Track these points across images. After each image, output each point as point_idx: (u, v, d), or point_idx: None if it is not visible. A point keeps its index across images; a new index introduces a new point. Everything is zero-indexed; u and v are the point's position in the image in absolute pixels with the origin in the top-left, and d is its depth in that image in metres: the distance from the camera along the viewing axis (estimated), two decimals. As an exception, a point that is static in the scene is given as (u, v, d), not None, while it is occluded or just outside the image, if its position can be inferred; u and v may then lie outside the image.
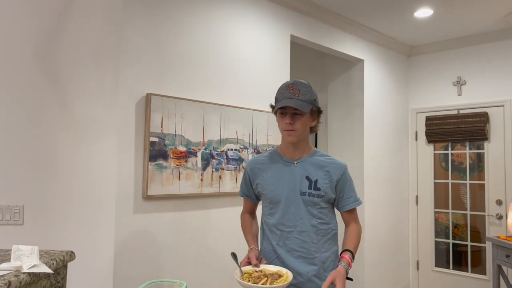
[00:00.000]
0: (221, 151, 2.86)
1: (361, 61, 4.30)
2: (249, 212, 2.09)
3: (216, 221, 2.85)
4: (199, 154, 2.73)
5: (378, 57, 4.51)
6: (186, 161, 2.66)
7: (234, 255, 1.81)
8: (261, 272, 1.67)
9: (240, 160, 2.97)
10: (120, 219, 2.38)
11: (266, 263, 1.80)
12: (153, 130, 2.51)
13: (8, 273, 1.12)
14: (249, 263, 1.75)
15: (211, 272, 2.79)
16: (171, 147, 2.59)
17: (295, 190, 1.83)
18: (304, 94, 1.78)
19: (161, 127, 2.55)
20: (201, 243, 2.76)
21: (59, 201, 2.34)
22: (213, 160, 2.81)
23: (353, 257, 1.76)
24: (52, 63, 2.38)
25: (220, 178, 2.84)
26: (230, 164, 2.91)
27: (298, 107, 1.74)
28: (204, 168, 2.75)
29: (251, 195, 2.03)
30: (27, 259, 1.20)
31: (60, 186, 2.35)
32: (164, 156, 2.56)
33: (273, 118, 3.18)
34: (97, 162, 2.37)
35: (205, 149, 2.77)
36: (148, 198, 2.49)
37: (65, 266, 1.39)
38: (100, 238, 2.33)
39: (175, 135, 2.62)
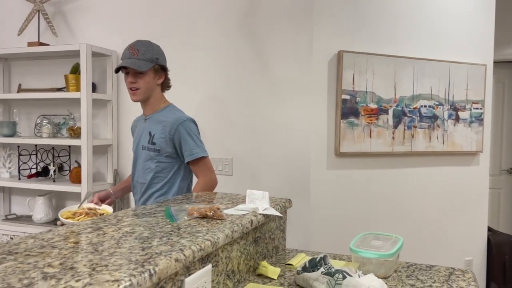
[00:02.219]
0: (413, 108, 2.72)
1: None
2: None
3: (408, 181, 2.76)
4: (390, 112, 2.65)
5: None
6: (377, 119, 2.61)
7: (87, 194, 2.15)
8: (91, 210, 1.81)
9: (434, 117, 2.77)
10: (315, 175, 2.50)
11: (110, 203, 1.99)
12: (344, 88, 2.52)
13: (247, 213, 1.28)
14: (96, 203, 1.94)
15: (402, 232, 2.75)
16: (362, 104, 2.57)
17: (139, 145, 1.96)
18: (143, 53, 1.86)
19: (353, 84, 2.54)
20: (392, 202, 2.72)
21: (261, 155, 2.57)
22: (405, 117, 2.69)
23: None
24: (252, 27, 2.57)
25: (413, 136, 2.72)
26: (423, 122, 2.75)
27: (135, 67, 1.82)
28: (395, 126, 2.67)
29: None
30: (260, 203, 1.36)
31: (261, 141, 2.57)
32: (356, 114, 2.56)
33: (473, 70, 2.86)
34: (293, 119, 2.51)
35: (397, 106, 2.67)
36: (340, 155, 2.54)
37: (285, 212, 1.53)
38: (299, 191, 2.49)
39: (366, 92, 2.58)
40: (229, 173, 2.64)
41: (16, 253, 0.85)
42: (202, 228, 1.09)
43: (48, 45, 2.89)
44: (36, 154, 3.04)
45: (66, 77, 2.78)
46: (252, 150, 2.59)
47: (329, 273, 1.12)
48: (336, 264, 1.34)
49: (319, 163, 2.52)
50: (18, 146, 3.03)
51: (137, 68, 1.82)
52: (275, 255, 1.47)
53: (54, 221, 2.91)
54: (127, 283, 0.71)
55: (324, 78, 2.51)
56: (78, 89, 2.72)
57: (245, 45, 2.59)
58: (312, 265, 1.20)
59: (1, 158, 3.09)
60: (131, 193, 2.24)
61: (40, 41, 2.98)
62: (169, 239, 0.98)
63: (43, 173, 2.98)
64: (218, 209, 1.22)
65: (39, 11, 2.94)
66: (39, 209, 2.89)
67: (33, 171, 3.04)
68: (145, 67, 1.84)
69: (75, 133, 2.80)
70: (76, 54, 2.73)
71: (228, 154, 2.65)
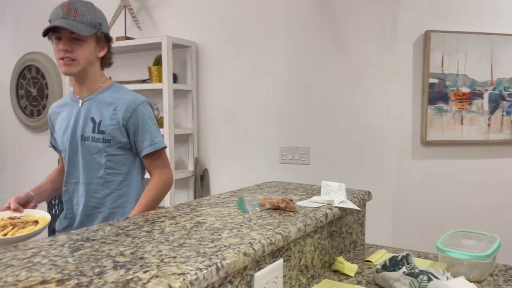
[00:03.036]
0: (514, 91, 2.43)
1: None
2: (62, 165, 1.75)
3: (505, 172, 2.48)
4: (485, 96, 2.39)
5: None
6: (469, 104, 2.37)
7: None
8: (14, 219, 1.44)
9: (539, 101, 2.45)
10: (399, 165, 2.35)
11: (39, 201, 1.63)
12: (432, 71, 2.32)
13: (322, 206, 1.22)
14: (9, 208, 1.50)
15: (498, 231, 2.49)
16: (452, 88, 2.35)
17: (77, 135, 1.56)
18: (83, 14, 1.47)
19: (441, 66, 2.33)
20: (486, 196, 2.47)
21: (340, 144, 2.47)
22: (504, 102, 2.41)
23: None
24: (330, 8, 2.46)
25: (512, 123, 2.43)
26: (525, 107, 2.44)
27: (74, 29, 1.42)
28: (491, 112, 2.40)
29: (56, 144, 1.72)
30: (336, 195, 1.29)
31: (341, 129, 2.47)
32: (445, 99, 2.34)
33: None
34: (375, 105, 2.37)
35: (494, 89, 2.40)
36: (427, 143, 2.35)
37: (364, 205, 1.44)
38: (381, 182, 2.36)
39: (457, 74, 2.35)
40: (306, 162, 2.58)
41: (93, 240, 0.88)
42: (274, 221, 1.05)
43: (133, 39, 3.03)
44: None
45: (149, 69, 2.90)
46: (330, 138, 2.50)
47: (412, 274, 1.02)
48: (420, 264, 1.23)
49: (404, 153, 2.36)
50: (109, 135, 3.23)
51: (76, 31, 1.42)
52: (352, 251, 1.39)
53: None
54: (193, 277, 0.69)
55: (409, 61, 2.33)
56: (160, 80, 2.82)
57: (322, 28, 2.49)
58: (393, 264, 1.11)
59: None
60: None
61: (127, 35, 3.13)
62: (239, 231, 0.96)
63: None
64: (291, 200, 1.17)
65: (125, 7, 3.09)
66: (128, 195, 3.07)
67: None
68: (86, 31, 1.45)
69: (159, 122, 2.92)
70: (158, 46, 2.83)
71: (304, 143, 2.58)
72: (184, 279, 0.68)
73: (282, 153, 2.66)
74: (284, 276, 1.01)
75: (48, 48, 3.75)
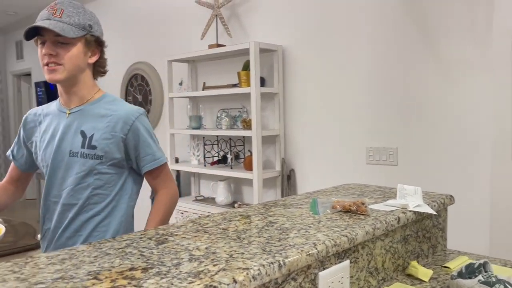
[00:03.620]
0: None
1: None
2: (9, 181, 1.58)
3: None
4: None
5: None
6: None
7: None
8: None
9: None
10: (496, 167, 2.19)
11: None
12: (535, 64, 2.12)
13: (396, 210, 1.22)
14: None
15: None
16: (561, 82, 2.12)
17: (63, 150, 1.39)
18: (70, 15, 1.32)
19: (547, 59, 2.12)
20: None
21: (430, 144, 2.38)
22: None
23: None
24: (419, 1, 2.37)
25: None
26: None
27: (57, 30, 1.27)
28: None
29: (19, 156, 1.55)
30: (411, 198, 1.27)
31: (430, 128, 2.37)
32: (551, 94, 2.13)
33: None
34: (468, 103, 2.24)
35: None
36: (529, 143, 2.16)
37: (445, 209, 1.40)
38: (475, 183, 2.23)
39: None
40: (394, 163, 2.52)
41: (176, 235, 1.00)
42: (342, 223, 1.09)
43: (224, 46, 3.21)
44: (217, 144, 3.44)
45: (238, 74, 3.06)
46: (420, 138, 2.42)
47: (488, 283, 0.99)
48: (503, 273, 1.17)
49: (501, 154, 2.19)
50: (203, 137, 3.48)
51: (60, 32, 1.27)
52: (431, 256, 1.36)
53: (232, 204, 3.25)
54: (256, 272, 0.77)
55: (507, 55, 2.16)
56: (248, 84, 2.96)
57: (410, 24, 2.41)
58: (470, 271, 1.08)
59: (191, 147, 3.60)
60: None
61: (218, 42, 3.33)
62: (306, 231, 1.01)
63: (222, 160, 3.35)
64: (363, 203, 1.19)
65: (216, 16, 3.29)
66: (221, 192, 3.27)
67: (215, 159, 3.45)
68: (72, 33, 1.30)
69: (247, 124, 3.06)
70: (247, 52, 2.97)
71: (392, 143, 2.53)
72: (247, 274, 0.76)
73: (369, 153, 2.63)
74: (352, 277, 1.04)
75: (150, 57, 4.13)
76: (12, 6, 5.47)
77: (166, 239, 0.97)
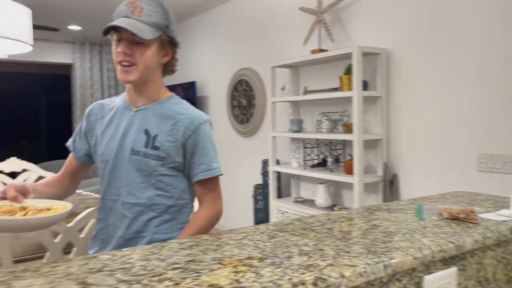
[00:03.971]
0: None
1: None
2: (65, 173, 1.52)
3: None
4: None
5: None
6: None
7: None
8: (24, 208, 1.16)
9: None
10: None
11: (35, 198, 1.28)
12: None
13: (509, 220, 1.17)
14: (5, 198, 1.19)
15: None
16: None
17: (126, 148, 1.36)
18: (149, 14, 1.28)
19: None
20: None
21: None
22: None
23: None
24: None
25: None
26: None
27: (136, 31, 1.25)
28: None
29: (79, 148, 1.50)
30: (527, 209, 1.21)
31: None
32: None
33: None
34: None
35: None
36: None
37: None
38: None
39: None
40: (510, 171, 2.35)
41: (285, 231, 1.09)
42: (449, 230, 1.08)
43: (327, 50, 3.26)
44: (317, 147, 3.50)
45: (340, 78, 3.09)
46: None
47: None
48: None
49: None
50: (304, 140, 3.56)
51: (138, 34, 1.26)
52: (551, 271, 1.27)
53: (331, 206, 3.28)
54: (362, 269, 0.83)
55: None
56: (350, 88, 2.97)
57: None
58: None
59: (291, 150, 3.70)
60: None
61: (321, 47, 3.39)
62: (411, 236, 1.03)
63: (322, 163, 3.40)
64: (472, 212, 1.17)
65: (319, 21, 3.35)
66: (320, 195, 3.32)
67: (315, 161, 3.51)
68: (150, 35, 1.29)
69: (348, 128, 3.07)
70: (349, 56, 2.99)
71: (508, 150, 2.36)
72: (354, 270, 0.82)
73: (481, 160, 2.49)
74: (459, 284, 1.03)
75: (254, 63, 4.33)
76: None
77: (277, 234, 1.07)
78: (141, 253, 0.92)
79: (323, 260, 0.87)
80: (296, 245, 0.97)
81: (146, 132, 1.35)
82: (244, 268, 0.82)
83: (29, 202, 1.20)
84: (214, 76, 5.06)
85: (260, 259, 0.87)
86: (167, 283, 0.75)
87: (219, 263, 0.85)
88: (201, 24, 5.30)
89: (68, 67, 6.93)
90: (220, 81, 4.89)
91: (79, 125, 1.50)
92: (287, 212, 3.54)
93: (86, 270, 0.82)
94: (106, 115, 1.44)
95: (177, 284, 0.75)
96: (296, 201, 3.60)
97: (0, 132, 6.88)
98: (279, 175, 3.83)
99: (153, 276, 0.79)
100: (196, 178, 1.39)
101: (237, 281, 0.76)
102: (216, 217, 1.43)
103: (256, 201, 4.04)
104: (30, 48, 2.21)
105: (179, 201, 1.39)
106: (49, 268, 0.83)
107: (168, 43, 1.38)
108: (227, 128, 4.82)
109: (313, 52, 3.34)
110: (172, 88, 5.69)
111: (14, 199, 1.15)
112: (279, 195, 3.84)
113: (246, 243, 0.99)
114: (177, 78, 5.73)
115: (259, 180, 4.11)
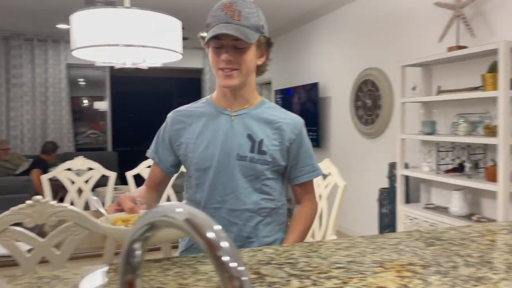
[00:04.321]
0: None
1: None
2: (151, 185, 1.44)
3: None
4: None
5: None
6: None
7: (97, 202, 1.16)
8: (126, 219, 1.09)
9: None
10: None
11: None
12: None
13: None
14: (121, 210, 1.12)
15: None
16: None
17: (230, 153, 1.29)
18: (247, 17, 1.21)
19: None
20: None
21: None
22: None
23: None
24: None
25: None
26: None
27: (242, 36, 1.18)
28: None
29: (165, 158, 1.41)
30: None
31: None
32: None
33: None
34: None
35: None
36: None
37: None
38: None
39: None
40: None
41: (442, 239, 1.05)
42: None
43: (466, 47, 3.03)
44: (453, 151, 3.27)
45: (483, 76, 2.84)
46: None
47: None
48: None
49: None
50: (437, 143, 3.35)
51: (244, 39, 1.21)
52: None
53: (468, 216, 3.04)
54: (542, 288, 0.76)
55: None
56: (495, 87, 2.72)
57: None
58: None
59: (422, 153, 3.51)
60: None
61: (459, 44, 3.16)
62: None
63: (458, 169, 3.16)
64: None
65: (458, 16, 3.13)
66: (455, 203, 3.09)
67: (450, 166, 3.28)
68: (253, 38, 1.24)
69: (491, 131, 2.81)
70: (493, 52, 2.73)
71: None
72: (533, 288, 0.76)
73: None
74: None
75: (381, 63, 4.20)
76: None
77: (433, 242, 1.03)
78: (302, 250, 0.97)
79: (495, 274, 0.82)
80: (458, 255, 0.93)
81: (250, 137, 1.32)
82: (409, 274, 0.82)
83: (119, 214, 1.13)
84: (337, 77, 5.02)
85: (423, 266, 0.86)
86: (335, 281, 0.79)
87: (380, 266, 0.86)
88: (325, 25, 5.31)
89: (199, 72, 7.51)
90: (343, 82, 4.83)
91: (160, 135, 1.43)
92: (416, 218, 3.36)
93: (256, 262, 0.90)
94: (195, 122, 1.37)
95: (345, 283, 0.78)
96: (426, 208, 3.40)
97: (140, 133, 7.72)
98: (407, 179, 3.66)
99: (319, 273, 0.83)
100: (300, 180, 1.40)
101: (405, 286, 0.76)
102: (315, 213, 1.48)
103: (381, 205, 3.91)
104: (180, 57, 2.45)
105: (278, 203, 1.38)
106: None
107: (264, 44, 1.33)
108: (350, 128, 4.74)
109: (450, 49, 3.12)
110: (294, 89, 5.81)
111: (131, 210, 1.11)
112: (407, 200, 3.67)
113: (402, 249, 0.98)
114: (299, 79, 5.80)
115: (385, 183, 3.97)
